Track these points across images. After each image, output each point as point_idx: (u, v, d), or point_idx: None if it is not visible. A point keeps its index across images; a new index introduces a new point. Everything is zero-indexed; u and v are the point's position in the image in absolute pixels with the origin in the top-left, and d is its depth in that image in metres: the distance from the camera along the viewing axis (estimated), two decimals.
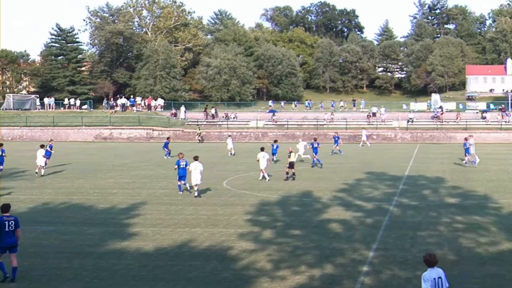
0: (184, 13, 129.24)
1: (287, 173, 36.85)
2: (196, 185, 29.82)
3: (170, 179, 36.82)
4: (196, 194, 29.85)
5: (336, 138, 56.40)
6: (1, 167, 38.40)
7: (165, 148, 53.67)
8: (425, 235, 21.32)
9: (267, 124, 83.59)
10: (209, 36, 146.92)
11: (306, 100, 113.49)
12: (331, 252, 18.98)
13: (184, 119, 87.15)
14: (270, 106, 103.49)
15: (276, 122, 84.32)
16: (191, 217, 24.77)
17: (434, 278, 11.55)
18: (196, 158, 30.46)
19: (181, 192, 30.92)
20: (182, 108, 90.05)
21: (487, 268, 17.28)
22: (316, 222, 23.78)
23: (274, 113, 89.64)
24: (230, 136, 60.59)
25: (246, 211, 25.88)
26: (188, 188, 31.16)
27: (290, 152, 37.51)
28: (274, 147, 47.68)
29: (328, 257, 18.37)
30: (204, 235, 21.35)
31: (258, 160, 36.60)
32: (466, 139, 45.69)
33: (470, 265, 17.61)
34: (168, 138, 57.72)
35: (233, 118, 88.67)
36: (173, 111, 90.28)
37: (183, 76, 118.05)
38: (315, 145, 44.23)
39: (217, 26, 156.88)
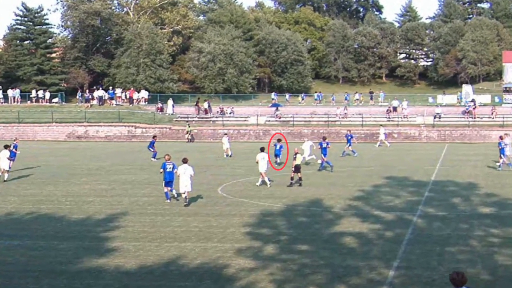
0: None
1: (292, 178, 36.90)
2: (185, 192, 30.01)
3: (156, 184, 36.85)
4: (185, 202, 29.98)
5: (349, 137, 56.58)
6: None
7: (150, 149, 53.77)
8: (455, 251, 21.36)
9: (269, 121, 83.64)
10: (201, 17, 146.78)
11: (315, 92, 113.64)
12: (345, 271, 19.01)
13: (172, 114, 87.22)
14: (273, 99, 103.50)
15: (280, 118, 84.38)
16: (181, 229, 24.81)
17: None
18: (185, 161, 30.74)
19: (168, 200, 31.01)
20: (170, 102, 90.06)
21: None
22: (327, 235, 23.82)
23: (277, 108, 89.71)
24: (226, 134, 60.71)
25: (244, 223, 25.92)
26: (175, 196, 31.26)
27: (296, 153, 37.58)
28: (278, 148, 47.74)
29: (341, 276, 18.40)
30: (195, 251, 21.39)
31: (257, 162, 36.71)
32: (501, 137, 45.79)
33: (507, 286, 17.64)
34: (154, 137, 57.81)
35: (230, 113, 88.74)
36: (159, 105, 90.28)
37: (170, 64, 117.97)
38: (324, 145, 44.38)
39: (210, 6, 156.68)
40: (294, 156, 37.36)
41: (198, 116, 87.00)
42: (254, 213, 28.07)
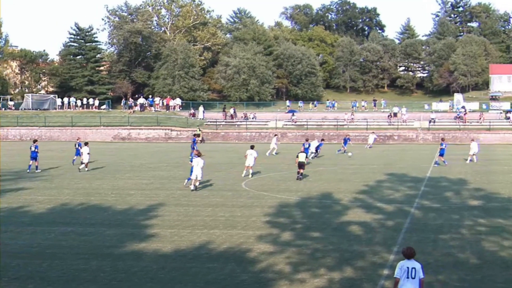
0: (203, 11, 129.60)
1: (298, 172, 37.37)
2: (195, 179, 32.11)
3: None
4: (193, 188, 32.03)
5: (347, 140, 58.74)
6: (36, 163, 41.84)
7: (194, 147, 53.86)
8: (447, 238, 21.18)
9: (286, 125, 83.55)
10: (228, 35, 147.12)
11: (328, 100, 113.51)
12: (351, 255, 18.92)
13: (202, 119, 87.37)
14: (288, 106, 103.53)
15: (295, 122, 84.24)
16: (209, 218, 24.80)
17: (408, 267, 12.90)
18: (198, 154, 32.88)
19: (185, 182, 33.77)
20: (201, 108, 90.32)
21: (511, 272, 17.11)
22: (336, 224, 23.73)
23: (293, 113, 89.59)
24: (276, 135, 60.85)
25: (264, 213, 25.88)
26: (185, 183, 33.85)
27: (300, 152, 38.77)
28: (306, 146, 49.16)
29: (348, 260, 18.31)
30: (222, 237, 21.38)
31: (245, 156, 38.77)
32: (443, 139, 48.70)
33: (493, 269, 17.45)
34: (195, 135, 57.74)
35: (252, 118, 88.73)
36: (192, 111, 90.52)
37: (201, 75, 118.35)
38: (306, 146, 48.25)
39: (236, 25, 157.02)
40: (297, 154, 38.18)
41: (225, 120, 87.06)
42: (273, 204, 28.01)
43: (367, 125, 79.36)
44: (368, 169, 44.06)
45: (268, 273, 17.09)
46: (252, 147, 39.38)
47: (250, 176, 38.15)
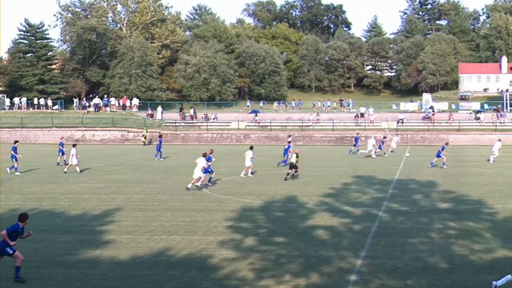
0: (161, 8, 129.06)
1: (288, 173, 38.79)
2: (196, 178, 33.50)
3: (147, 183, 36.90)
4: (194, 187, 33.43)
5: (357, 139, 59.53)
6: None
7: (159, 148, 54.10)
8: (416, 242, 21.42)
9: (249, 125, 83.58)
10: (187, 33, 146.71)
11: (293, 100, 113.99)
12: (317, 260, 19.01)
13: (161, 120, 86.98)
14: (248, 106, 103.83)
15: (258, 123, 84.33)
16: (169, 224, 24.71)
17: None
18: (204, 155, 34.83)
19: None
20: (159, 109, 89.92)
21: (481, 276, 17.39)
22: (301, 228, 23.81)
23: (256, 114, 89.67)
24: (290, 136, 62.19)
25: (227, 217, 25.87)
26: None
27: (295, 153, 40.21)
28: (286, 147, 49.56)
29: (314, 265, 18.40)
30: (182, 243, 21.31)
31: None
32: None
33: (464, 273, 17.71)
34: (160, 136, 57.65)
35: (213, 119, 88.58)
36: (150, 111, 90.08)
37: (160, 74, 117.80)
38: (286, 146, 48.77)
39: (196, 22, 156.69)
40: (291, 155, 40.38)
41: (185, 121, 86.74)
42: (235, 208, 28.02)
43: (333, 126, 79.82)
44: (334, 171, 44.33)
45: (231, 280, 17.10)
46: (251, 148, 40.85)
47: (250, 175, 40.10)
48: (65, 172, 42.24)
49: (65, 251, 20.32)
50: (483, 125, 79.99)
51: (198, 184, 33.83)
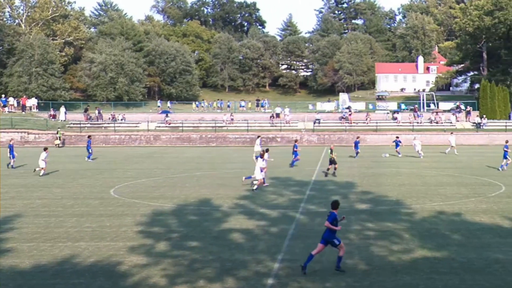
0: (63, 3, 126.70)
1: (328, 169, 42.82)
2: (260, 180, 35.26)
3: (49, 188, 36.03)
4: (255, 188, 34.64)
5: (398, 142, 58.80)
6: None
7: (89, 150, 53.85)
8: None
9: (159, 127, 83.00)
10: (92, 29, 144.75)
11: (203, 100, 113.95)
12: (233, 264, 18.99)
13: (64, 120, 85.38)
14: (158, 106, 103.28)
15: (169, 124, 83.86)
16: (74, 230, 24.20)
17: None
18: (261, 155, 36.34)
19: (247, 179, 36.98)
20: (62, 109, 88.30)
21: (400, 277, 17.76)
22: (216, 232, 23.75)
23: (167, 114, 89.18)
24: (259, 136, 60.51)
25: (137, 222, 25.55)
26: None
27: (331, 149, 43.51)
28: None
29: (230, 270, 18.37)
30: (89, 250, 20.91)
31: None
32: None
33: (382, 274, 18.04)
34: (89, 137, 56.78)
35: (121, 119, 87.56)
36: (52, 112, 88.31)
37: (62, 73, 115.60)
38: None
39: (101, 19, 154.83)
40: (330, 151, 42.98)
41: (90, 122, 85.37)
42: (145, 213, 27.71)
43: (247, 126, 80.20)
44: (249, 173, 44.31)
45: (142, 287, 16.91)
46: (266, 151, 39.17)
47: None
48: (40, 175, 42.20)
49: None
50: (400, 125, 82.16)
51: (255, 187, 34.91)
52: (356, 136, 64.86)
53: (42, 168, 42.82)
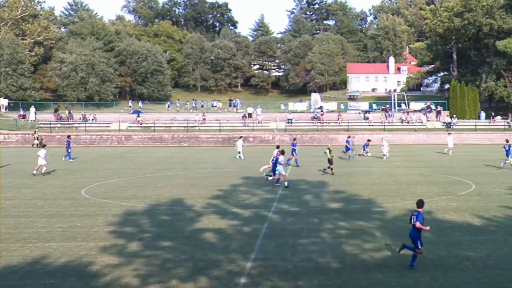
0: (32, 2, 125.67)
1: (331, 168, 42.77)
2: (285, 175, 36.18)
3: (19, 188, 35.66)
4: (286, 184, 35.82)
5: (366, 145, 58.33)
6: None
7: (69, 150, 53.81)
8: (307, 243, 21.74)
9: (131, 126, 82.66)
10: (62, 29, 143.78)
11: (178, 100, 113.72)
12: (205, 264, 18.96)
13: (34, 120, 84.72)
14: (130, 106, 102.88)
15: (141, 124, 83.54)
16: (44, 230, 23.99)
17: None
18: (283, 152, 37.22)
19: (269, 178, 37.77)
20: (32, 109, 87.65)
21: (372, 275, 17.86)
22: (188, 232, 23.69)
23: (138, 114, 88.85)
24: (241, 137, 60.13)
25: (108, 222, 25.40)
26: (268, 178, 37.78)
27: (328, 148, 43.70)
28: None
29: (202, 269, 18.33)
30: (60, 250, 20.74)
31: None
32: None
33: (355, 273, 18.12)
34: (69, 137, 56.45)
35: (92, 120, 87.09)
36: (21, 112, 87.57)
37: (32, 73, 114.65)
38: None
39: (71, 18, 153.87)
40: (328, 151, 43.09)
41: (61, 122, 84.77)
42: (117, 213, 27.55)
43: (220, 126, 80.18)
44: (221, 172, 44.44)
45: (114, 287, 16.81)
46: (282, 153, 38.64)
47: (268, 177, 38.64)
48: (33, 174, 42.04)
49: None
50: (372, 125, 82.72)
51: (285, 184, 35.89)
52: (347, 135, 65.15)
53: (44, 165, 42.55)
